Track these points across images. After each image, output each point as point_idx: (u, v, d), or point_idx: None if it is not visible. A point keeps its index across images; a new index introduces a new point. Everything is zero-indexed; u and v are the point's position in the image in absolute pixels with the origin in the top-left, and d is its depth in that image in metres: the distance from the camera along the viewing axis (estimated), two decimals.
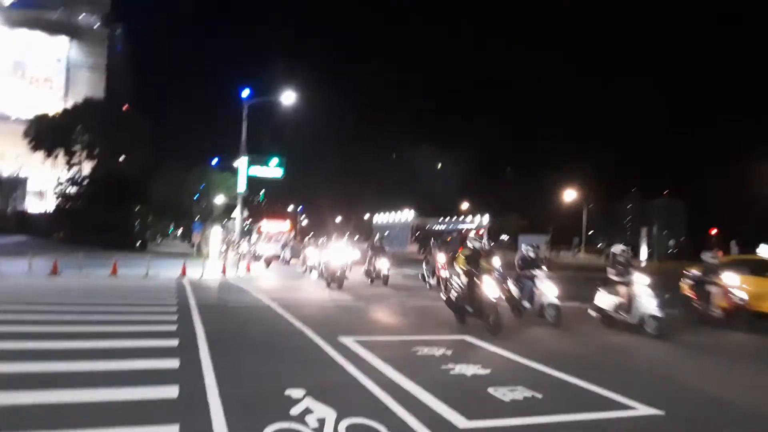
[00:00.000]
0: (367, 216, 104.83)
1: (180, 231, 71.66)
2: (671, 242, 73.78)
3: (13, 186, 76.03)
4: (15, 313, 9.79)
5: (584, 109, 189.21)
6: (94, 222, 43.76)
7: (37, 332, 8.07)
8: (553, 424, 4.86)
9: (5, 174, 68.59)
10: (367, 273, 19.22)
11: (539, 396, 5.67)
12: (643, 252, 55.16)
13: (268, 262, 25.61)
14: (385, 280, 18.24)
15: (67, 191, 58.53)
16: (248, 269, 23.53)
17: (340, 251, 17.45)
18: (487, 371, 6.66)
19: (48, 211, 65.79)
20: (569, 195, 58.18)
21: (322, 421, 4.59)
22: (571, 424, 4.92)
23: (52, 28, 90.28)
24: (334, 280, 16.73)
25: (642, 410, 5.34)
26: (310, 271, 21.80)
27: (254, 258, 28.35)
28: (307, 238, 30.60)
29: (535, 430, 4.71)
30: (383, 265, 18.41)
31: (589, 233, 76.99)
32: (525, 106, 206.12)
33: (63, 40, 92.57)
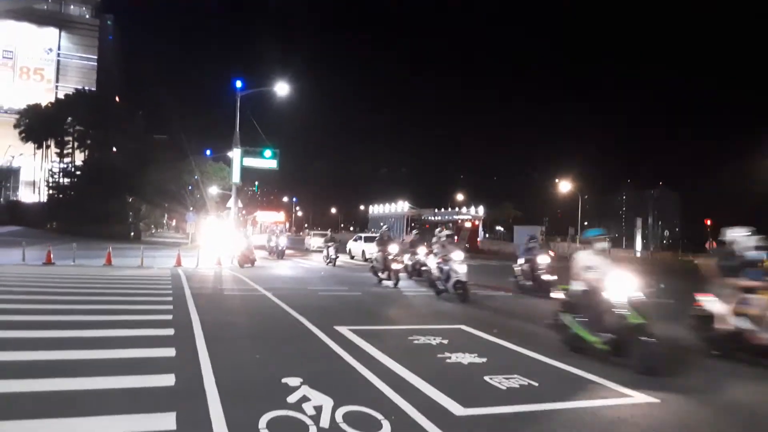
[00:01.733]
0: (362, 207, 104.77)
1: (174, 221, 71.40)
2: (666, 233, 74.19)
3: (6, 176, 75.46)
4: (10, 302, 9.73)
5: (580, 99, 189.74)
6: (88, 212, 43.60)
7: (32, 321, 8.05)
8: (549, 412, 4.88)
9: None
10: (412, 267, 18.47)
11: (535, 384, 5.69)
12: (638, 242, 55.40)
13: (242, 262, 21.05)
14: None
15: (60, 182, 58.20)
16: (243, 259, 23.45)
17: (393, 245, 16.58)
18: (484, 360, 6.68)
19: (41, 202, 65.41)
20: (564, 186, 58.22)
21: (319, 409, 4.59)
22: (567, 411, 4.94)
23: (42, 19, 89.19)
24: (391, 271, 15.79)
25: (638, 398, 5.36)
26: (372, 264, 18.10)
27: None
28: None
29: (532, 418, 4.73)
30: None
31: (585, 224, 77.35)
32: (520, 96, 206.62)
33: (53, 30, 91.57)
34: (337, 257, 24.34)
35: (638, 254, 55.20)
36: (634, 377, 6.04)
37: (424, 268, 16.29)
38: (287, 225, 52.99)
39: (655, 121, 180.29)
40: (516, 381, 5.77)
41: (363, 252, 28.35)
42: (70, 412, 4.36)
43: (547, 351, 7.21)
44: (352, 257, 30.24)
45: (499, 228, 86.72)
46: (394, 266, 15.67)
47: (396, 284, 15.36)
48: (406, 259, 18.27)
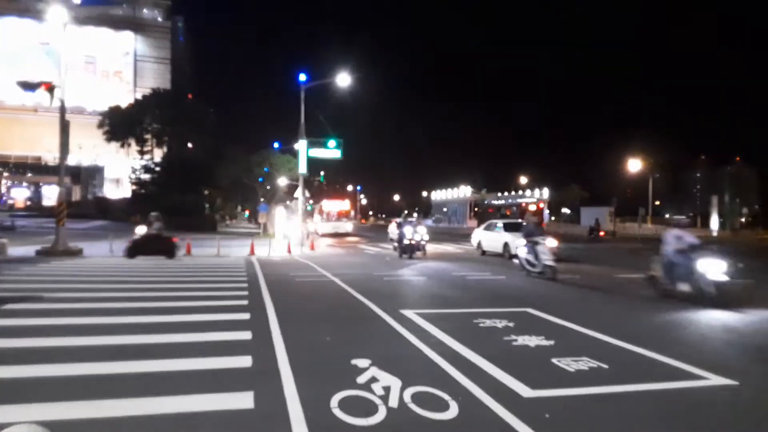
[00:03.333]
0: (424, 193, 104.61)
1: (247, 212, 74.02)
2: (744, 210, 69.45)
3: (92, 174, 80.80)
4: (101, 291, 10.54)
5: (647, 74, 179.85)
6: (167, 206, 45.81)
7: (121, 308, 8.69)
8: (621, 394, 4.80)
9: (84, 163, 72.81)
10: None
11: (605, 366, 5.60)
12: (714, 221, 52.37)
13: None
14: None
15: (141, 178, 61.67)
16: (312, 247, 24.14)
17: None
18: (551, 342, 6.63)
19: (125, 197, 69.53)
20: (634, 165, 55.60)
21: (387, 389, 4.74)
22: (640, 394, 4.83)
23: (118, 24, 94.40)
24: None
25: (715, 380, 5.18)
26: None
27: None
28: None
29: (602, 400, 4.66)
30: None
31: (656, 203, 73.65)
32: (583, 74, 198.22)
33: (129, 34, 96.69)
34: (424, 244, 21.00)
35: (714, 233, 52.14)
36: (710, 359, 5.83)
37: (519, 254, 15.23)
38: (353, 213, 53.70)
39: (731, 91, 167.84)
40: (585, 363, 5.70)
41: (480, 243, 23.34)
42: (156, 391, 4.70)
43: (617, 333, 7.05)
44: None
45: (565, 210, 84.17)
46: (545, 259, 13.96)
47: (553, 275, 13.63)
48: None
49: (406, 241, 20.31)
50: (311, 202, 49.84)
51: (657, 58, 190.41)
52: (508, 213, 48.04)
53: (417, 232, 20.57)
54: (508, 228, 21.65)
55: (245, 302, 9.46)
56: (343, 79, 26.23)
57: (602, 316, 8.75)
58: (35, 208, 74.48)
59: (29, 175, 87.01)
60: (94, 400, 4.44)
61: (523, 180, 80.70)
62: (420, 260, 19.27)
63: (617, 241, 39.87)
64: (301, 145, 26.08)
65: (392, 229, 28.94)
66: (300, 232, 25.62)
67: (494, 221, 24.52)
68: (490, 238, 22.60)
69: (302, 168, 26.48)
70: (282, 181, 45.02)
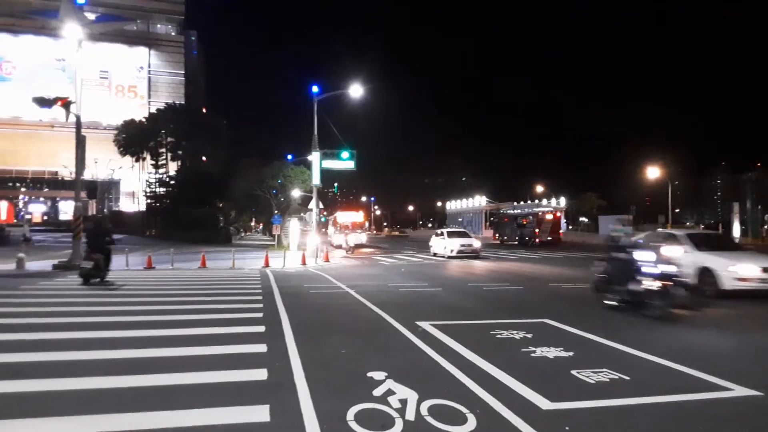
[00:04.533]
0: (439, 203, 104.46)
1: (261, 225, 74.35)
2: (767, 218, 68.37)
3: (108, 188, 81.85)
4: (118, 305, 10.60)
5: (666, 80, 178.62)
6: (182, 219, 46.32)
7: (139, 322, 8.71)
8: (644, 406, 4.68)
9: (100, 177, 73.79)
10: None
11: (627, 378, 5.49)
12: (736, 229, 51.65)
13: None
14: None
15: (156, 191, 62.31)
16: (326, 259, 24.14)
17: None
18: (570, 354, 6.52)
19: (140, 210, 70.29)
20: (653, 172, 54.99)
21: (404, 402, 4.67)
22: (663, 405, 4.72)
23: (132, 39, 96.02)
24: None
25: (740, 391, 5.05)
26: None
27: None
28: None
29: (625, 412, 4.55)
30: None
31: (675, 211, 72.81)
32: (600, 81, 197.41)
33: (142, 49, 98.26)
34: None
35: (736, 241, 51.24)
36: (734, 369, 5.69)
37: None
38: (367, 224, 53.71)
39: (751, 97, 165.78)
40: (605, 374, 5.59)
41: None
42: (172, 404, 4.67)
43: (639, 344, 6.91)
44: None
45: (582, 219, 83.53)
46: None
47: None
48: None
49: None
50: (325, 213, 49.95)
51: (675, 64, 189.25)
52: (524, 222, 47.67)
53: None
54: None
55: (260, 315, 9.45)
56: (356, 90, 26.34)
57: (622, 326, 8.60)
58: (52, 222, 75.60)
59: (46, 190, 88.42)
60: (107, 413, 4.42)
61: (540, 189, 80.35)
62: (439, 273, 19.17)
63: None
64: (314, 157, 26.19)
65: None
66: (314, 243, 25.64)
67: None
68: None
69: (315, 179, 26.56)
70: (296, 193, 45.20)
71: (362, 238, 34.32)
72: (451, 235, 28.64)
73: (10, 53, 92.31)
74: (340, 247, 37.39)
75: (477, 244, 27.57)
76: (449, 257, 26.18)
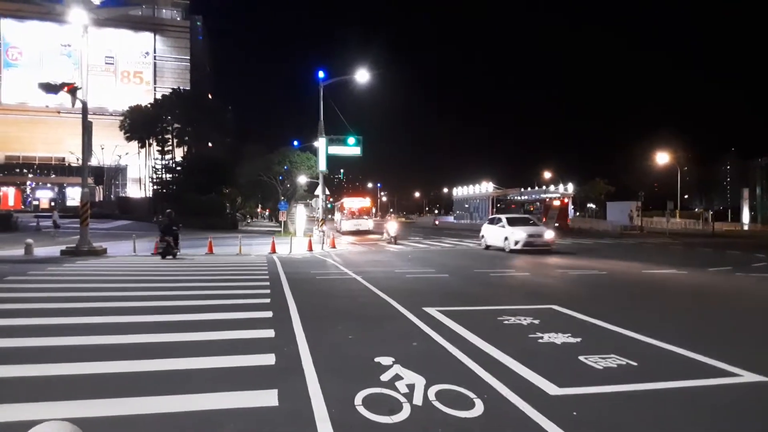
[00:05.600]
0: (445, 189, 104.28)
1: (267, 211, 74.53)
2: None
3: (115, 175, 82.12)
4: (127, 290, 10.66)
5: (674, 66, 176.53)
6: (188, 205, 46.35)
7: (147, 307, 8.77)
8: (652, 392, 4.68)
9: (107, 163, 74.06)
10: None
11: (635, 364, 5.47)
12: (745, 215, 51.25)
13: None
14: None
15: (163, 177, 62.41)
16: (333, 245, 24.18)
17: None
18: (578, 339, 6.51)
19: (147, 196, 70.53)
20: (661, 158, 54.54)
21: (411, 387, 4.69)
22: (671, 391, 4.71)
23: (138, 25, 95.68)
24: None
25: (748, 377, 5.03)
26: None
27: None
28: None
29: (633, 398, 4.55)
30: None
31: (684, 197, 72.33)
32: (608, 67, 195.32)
33: (148, 35, 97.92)
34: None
35: (745, 227, 50.96)
36: (743, 355, 5.66)
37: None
38: (373, 210, 53.69)
39: (760, 86, 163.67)
40: (613, 360, 5.58)
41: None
42: (181, 389, 4.71)
43: (647, 330, 6.89)
44: None
45: (590, 205, 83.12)
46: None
47: None
48: None
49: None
50: (331, 199, 49.93)
51: (685, 51, 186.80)
52: (531, 209, 47.48)
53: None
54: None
55: (267, 300, 9.48)
56: (362, 76, 26.19)
57: (630, 312, 8.58)
58: (59, 208, 76.06)
59: (53, 176, 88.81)
60: (119, 398, 4.46)
61: (547, 175, 79.89)
62: (446, 259, 19.11)
63: (645, 236, 39.23)
64: (320, 143, 26.14)
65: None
66: (319, 229, 25.67)
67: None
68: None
69: (322, 165, 26.54)
70: (302, 179, 45.17)
71: (369, 224, 34.27)
72: (512, 222, 22.60)
73: (16, 39, 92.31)
74: (347, 233, 37.44)
75: (550, 234, 22.12)
76: (512, 251, 21.01)
